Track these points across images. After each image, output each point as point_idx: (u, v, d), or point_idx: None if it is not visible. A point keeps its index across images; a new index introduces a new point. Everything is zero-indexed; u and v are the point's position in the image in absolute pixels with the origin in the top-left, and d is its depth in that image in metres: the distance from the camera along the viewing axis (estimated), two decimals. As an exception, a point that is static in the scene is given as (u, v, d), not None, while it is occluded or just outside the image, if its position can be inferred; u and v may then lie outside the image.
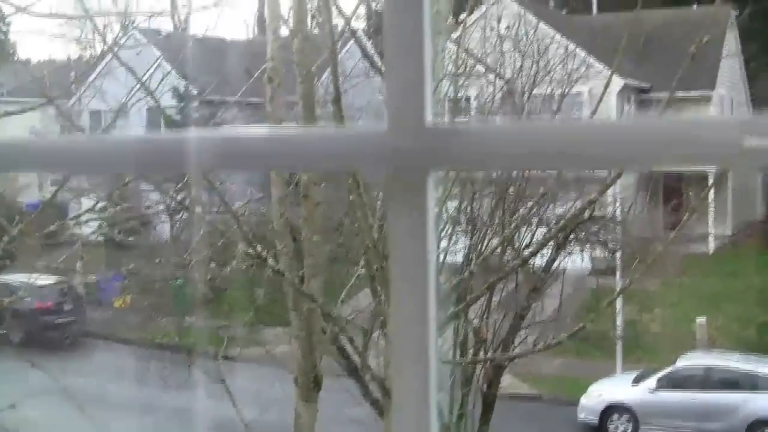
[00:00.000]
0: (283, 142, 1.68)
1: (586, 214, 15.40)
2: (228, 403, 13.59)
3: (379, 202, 13.23)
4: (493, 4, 25.06)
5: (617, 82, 34.55)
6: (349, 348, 13.32)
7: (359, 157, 1.61)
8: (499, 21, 19.17)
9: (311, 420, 10.85)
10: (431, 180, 1.51)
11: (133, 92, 29.71)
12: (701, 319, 28.27)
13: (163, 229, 24.43)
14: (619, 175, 16.33)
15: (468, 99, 17.87)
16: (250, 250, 10.74)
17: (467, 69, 15.61)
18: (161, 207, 20.08)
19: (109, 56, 28.15)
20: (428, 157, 1.50)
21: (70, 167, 1.81)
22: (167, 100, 29.77)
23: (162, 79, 18.48)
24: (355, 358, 13.22)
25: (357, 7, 20.38)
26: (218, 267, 13.75)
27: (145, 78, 18.56)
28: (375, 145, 1.58)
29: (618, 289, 24.74)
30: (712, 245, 38.33)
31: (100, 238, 30.31)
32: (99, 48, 35.39)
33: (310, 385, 10.95)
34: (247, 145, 1.70)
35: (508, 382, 22.06)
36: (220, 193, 12.30)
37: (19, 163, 1.90)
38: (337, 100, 10.94)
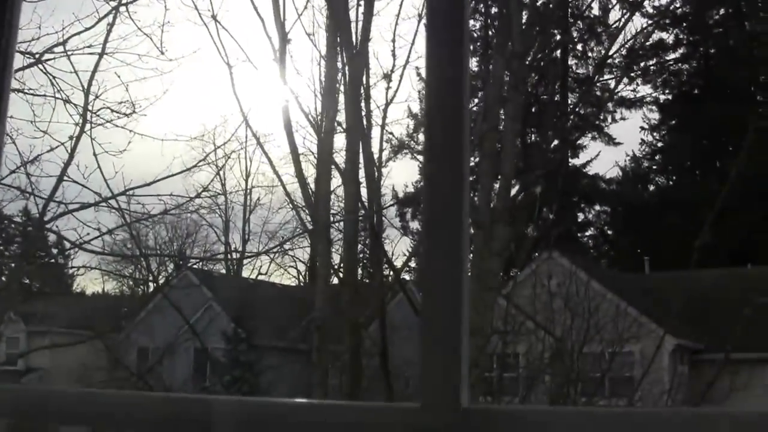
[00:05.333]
0: (312, 410, 1.66)
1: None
2: None
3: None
4: (545, 261, 25.37)
5: (670, 342, 34.24)
6: None
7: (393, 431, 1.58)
8: (549, 278, 19.29)
9: None
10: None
11: (180, 332, 30.08)
12: None
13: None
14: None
15: (517, 355, 17.79)
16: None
17: (517, 326, 15.61)
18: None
19: (159, 295, 28.68)
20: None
21: (90, 421, 1.80)
22: (216, 342, 30.00)
23: (210, 322, 18.65)
24: None
25: (407, 261, 20.67)
26: None
27: (193, 319, 18.78)
28: (408, 423, 1.56)
29: None
30: None
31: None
32: (151, 285, 36.13)
33: None
34: (271, 412, 1.67)
35: None
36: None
37: (38, 414, 1.90)
38: (383, 353, 10.95)
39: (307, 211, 14.66)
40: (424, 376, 1.52)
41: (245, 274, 38.66)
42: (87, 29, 12.13)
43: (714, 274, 35.94)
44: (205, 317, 31.66)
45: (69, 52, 11.90)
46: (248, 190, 39.68)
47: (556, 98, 38.25)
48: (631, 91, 39.54)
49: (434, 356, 1.52)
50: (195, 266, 35.13)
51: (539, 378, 17.09)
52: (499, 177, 15.01)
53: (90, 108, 12.15)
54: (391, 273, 13.62)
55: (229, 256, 31.31)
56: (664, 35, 39.50)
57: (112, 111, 12.29)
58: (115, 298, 40.32)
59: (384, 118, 14.56)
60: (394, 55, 16.44)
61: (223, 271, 38.50)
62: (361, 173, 13.23)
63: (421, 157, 23.92)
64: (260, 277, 37.72)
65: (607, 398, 18.78)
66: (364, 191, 13.61)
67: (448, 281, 1.51)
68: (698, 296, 30.60)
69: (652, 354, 18.85)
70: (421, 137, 26.56)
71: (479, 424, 1.49)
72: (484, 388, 15.32)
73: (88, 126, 11.98)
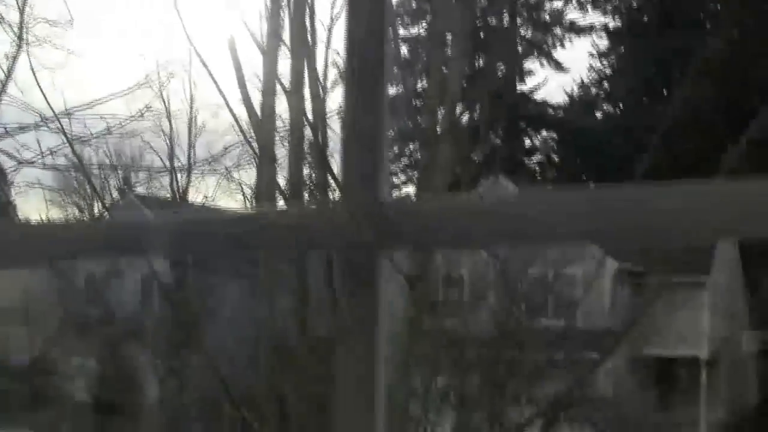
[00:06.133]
0: (237, 221, 1.77)
1: (576, 393, 15.41)
2: None
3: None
4: (490, 185, 25.63)
5: (612, 265, 34.85)
6: None
7: (314, 229, 1.68)
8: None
9: None
10: (383, 258, 1.59)
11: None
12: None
13: (152, 391, 24.25)
14: (609, 356, 16.44)
15: (461, 277, 18.07)
16: (237, 414, 10.74)
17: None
18: (151, 369, 20.02)
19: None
20: (380, 232, 1.56)
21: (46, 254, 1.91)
22: (163, 267, 29.99)
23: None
24: None
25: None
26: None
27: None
28: (330, 217, 1.67)
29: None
30: (704, 430, 37.88)
31: (87, 399, 30.06)
32: (96, 211, 35.96)
33: None
34: (207, 228, 1.80)
35: None
36: (209, 357, 12.36)
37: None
38: (328, 266, 11.13)
39: (252, 134, 14.69)
40: (344, 173, 1.63)
41: (191, 198, 38.52)
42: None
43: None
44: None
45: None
46: (193, 115, 39.31)
47: (504, 23, 38.28)
48: (581, 17, 39.64)
49: (353, 155, 1.63)
50: (139, 191, 34.97)
51: (484, 299, 17.42)
52: (445, 100, 15.13)
53: (26, 26, 11.98)
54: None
55: (173, 180, 31.08)
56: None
57: (51, 25, 12.13)
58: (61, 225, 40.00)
59: (329, 37, 14.53)
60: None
61: (168, 196, 38.31)
62: (307, 93, 13.31)
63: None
64: (206, 203, 37.61)
65: (550, 318, 19.18)
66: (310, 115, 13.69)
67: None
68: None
69: (592, 276, 19.27)
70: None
71: (396, 216, 1.59)
72: (430, 310, 15.59)
73: (24, 45, 11.84)
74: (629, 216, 1.53)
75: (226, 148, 17.19)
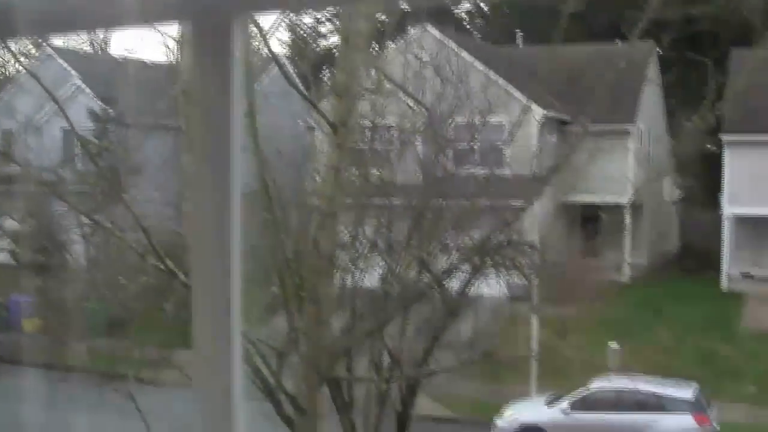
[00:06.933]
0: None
1: (503, 239, 15.55)
2: (141, 424, 13.41)
3: (292, 221, 13.26)
4: (418, 32, 25.34)
5: (538, 113, 35.02)
6: (264, 369, 13.29)
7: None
8: (421, 48, 19.34)
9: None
10: (238, 25, 1.49)
11: (44, 111, 29.36)
12: (614, 345, 28.70)
13: (78, 250, 24.09)
14: (534, 202, 16.58)
15: (389, 126, 17.93)
16: (161, 265, 10.66)
17: (385, 93, 15.73)
18: (75, 226, 19.79)
19: (21, 76, 27.85)
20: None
21: None
22: (84, 122, 29.42)
23: (72, 94, 18.14)
24: (270, 379, 13.19)
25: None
26: (131, 286, 13.62)
27: (57, 96, 18.31)
28: None
29: (533, 315, 25.07)
30: (627, 274, 38.91)
31: (12, 260, 29.78)
32: (12, 67, 35.00)
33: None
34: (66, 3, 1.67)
35: (424, 404, 22.11)
36: (132, 210, 12.21)
37: None
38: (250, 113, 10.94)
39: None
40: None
41: (113, 51, 37.67)
42: None
43: (583, 50, 36.55)
44: (73, 98, 30.98)
45: None
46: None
47: None
48: None
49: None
50: (57, 43, 33.99)
51: (411, 145, 17.36)
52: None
53: None
54: (264, 45, 13.42)
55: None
56: None
57: None
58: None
59: None
60: None
61: (89, 49, 37.47)
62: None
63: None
64: (128, 55, 36.75)
65: (476, 166, 19.21)
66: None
67: None
68: (568, 70, 31.19)
69: (517, 120, 19.27)
70: None
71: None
72: (355, 159, 15.51)
73: None
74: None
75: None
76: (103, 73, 32.37)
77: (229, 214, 1.65)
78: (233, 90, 1.57)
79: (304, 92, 14.35)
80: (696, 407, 23.37)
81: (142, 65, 31.46)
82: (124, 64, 32.16)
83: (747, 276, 38.86)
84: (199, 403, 1.74)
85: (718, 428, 23.46)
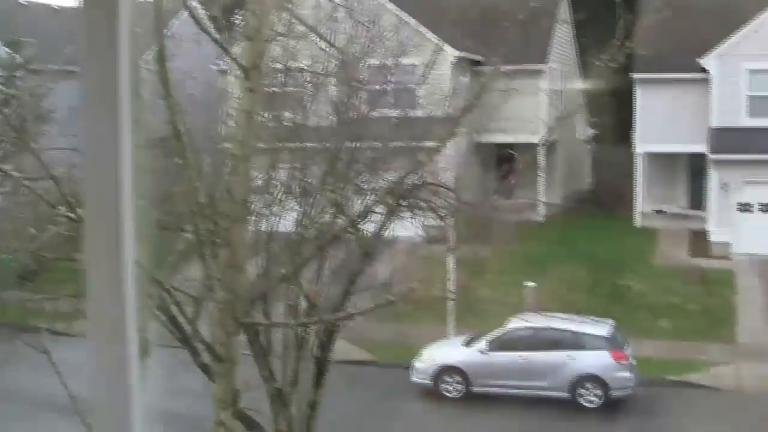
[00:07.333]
0: None
1: (417, 180, 15.57)
2: (55, 377, 13.24)
3: (205, 166, 13.12)
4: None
5: (450, 54, 35.02)
6: (179, 316, 13.21)
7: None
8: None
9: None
10: None
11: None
12: (530, 284, 29.08)
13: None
14: (447, 143, 16.60)
15: (302, 69, 17.74)
16: (72, 215, 10.47)
17: (299, 36, 15.57)
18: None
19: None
20: None
21: None
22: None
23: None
24: (186, 327, 13.12)
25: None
26: (41, 236, 13.37)
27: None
28: None
29: (449, 256, 25.26)
30: (542, 213, 39.37)
31: None
32: None
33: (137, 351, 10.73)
34: None
35: (343, 348, 22.22)
36: (41, 159, 11.97)
37: None
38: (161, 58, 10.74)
39: None
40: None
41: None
42: None
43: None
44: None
45: None
46: None
47: None
48: None
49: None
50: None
51: (324, 88, 17.23)
52: None
53: None
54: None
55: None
56: None
57: None
58: None
59: None
60: None
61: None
62: None
63: None
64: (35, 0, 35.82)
65: (390, 107, 19.17)
66: None
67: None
68: (480, 10, 31.19)
69: (430, 61, 19.26)
70: None
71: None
72: (268, 102, 15.36)
73: None
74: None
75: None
76: (8, 18, 31.53)
77: (118, 150, 1.61)
78: (120, 29, 1.52)
79: (215, 36, 14.12)
80: (612, 344, 23.86)
81: (50, 10, 30.72)
82: (30, 8, 31.38)
83: (659, 212, 39.60)
84: (94, 350, 1.70)
85: (635, 363, 24.00)
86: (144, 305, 10.73)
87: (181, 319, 13.21)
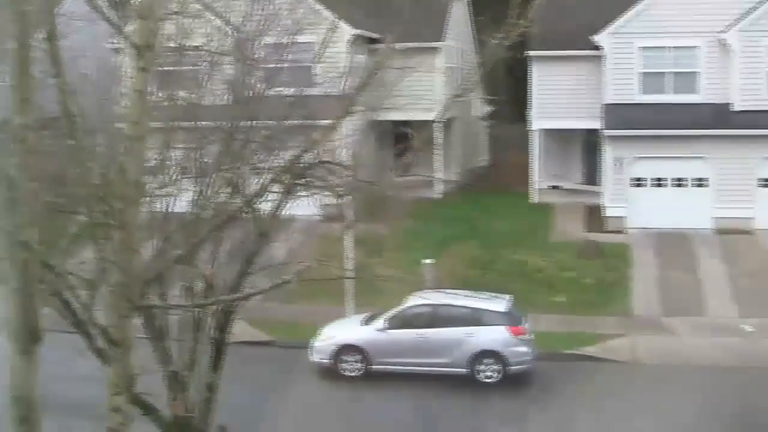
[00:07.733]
0: None
1: (314, 159, 15.49)
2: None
3: (98, 147, 12.86)
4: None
5: (347, 32, 34.94)
6: (73, 301, 12.95)
7: None
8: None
9: (30, 374, 10.41)
10: None
11: None
12: (428, 261, 29.25)
13: None
14: (342, 120, 16.55)
15: (197, 48, 17.48)
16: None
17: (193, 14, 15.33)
18: None
19: None
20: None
21: None
22: None
23: None
24: (81, 312, 12.88)
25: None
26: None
27: None
28: None
29: (347, 234, 25.27)
30: (439, 190, 39.63)
31: None
32: None
33: (27, 338, 10.51)
34: None
35: (242, 329, 22.10)
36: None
37: None
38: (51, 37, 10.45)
39: None
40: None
41: None
42: None
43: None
44: None
45: None
46: None
47: None
48: None
49: None
50: None
51: (219, 66, 17.03)
52: None
53: None
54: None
55: None
56: None
57: None
58: None
59: None
60: None
61: None
62: None
63: None
64: None
65: (286, 86, 19.01)
66: None
67: None
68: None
69: (325, 40, 19.15)
70: None
71: None
72: (162, 81, 15.14)
73: None
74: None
75: None
76: None
77: None
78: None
79: (106, 14, 13.82)
80: (510, 319, 24.14)
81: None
82: None
83: (555, 188, 40.18)
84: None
85: (532, 338, 24.34)
86: (36, 290, 10.49)
87: (75, 304, 12.96)
